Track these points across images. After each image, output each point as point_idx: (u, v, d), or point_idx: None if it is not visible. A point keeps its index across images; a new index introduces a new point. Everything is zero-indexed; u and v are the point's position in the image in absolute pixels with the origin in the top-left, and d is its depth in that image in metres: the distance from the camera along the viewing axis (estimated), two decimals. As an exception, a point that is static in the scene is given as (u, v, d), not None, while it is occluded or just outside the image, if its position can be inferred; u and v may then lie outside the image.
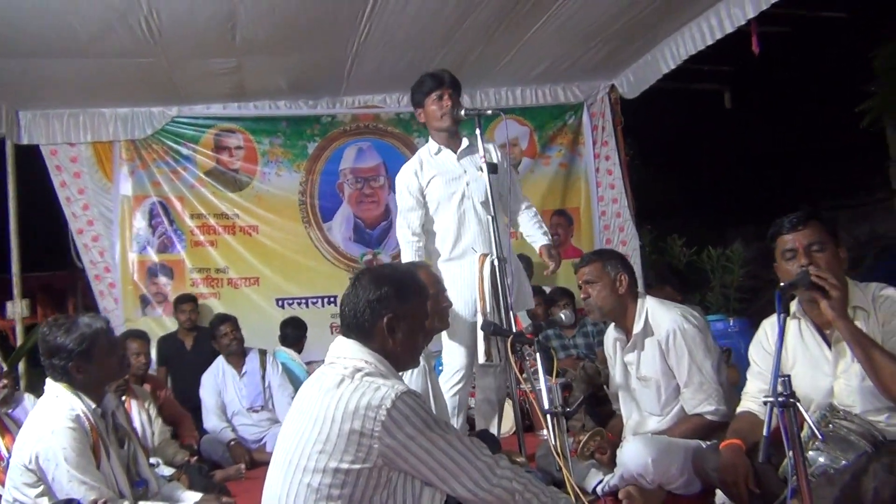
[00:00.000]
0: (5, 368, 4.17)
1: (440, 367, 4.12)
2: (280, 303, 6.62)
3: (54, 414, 2.76)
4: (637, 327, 3.26)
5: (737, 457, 2.63)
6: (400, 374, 2.14)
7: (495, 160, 3.88)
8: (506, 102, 6.87)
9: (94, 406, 2.86)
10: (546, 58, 6.26)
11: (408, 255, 4.00)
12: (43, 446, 2.70)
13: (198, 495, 3.21)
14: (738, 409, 2.87)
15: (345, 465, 1.88)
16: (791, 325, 2.65)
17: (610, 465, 3.20)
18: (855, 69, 8.44)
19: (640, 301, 3.31)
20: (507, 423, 4.76)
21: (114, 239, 6.42)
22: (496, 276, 3.64)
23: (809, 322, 2.62)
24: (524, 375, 3.22)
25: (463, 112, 3.90)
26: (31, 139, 6.19)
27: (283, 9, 4.80)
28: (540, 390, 2.81)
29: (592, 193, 7.15)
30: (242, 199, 6.68)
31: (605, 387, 3.98)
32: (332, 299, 6.59)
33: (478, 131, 3.76)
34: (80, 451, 2.69)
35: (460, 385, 3.96)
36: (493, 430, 4.10)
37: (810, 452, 2.34)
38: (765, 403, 2.05)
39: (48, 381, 2.88)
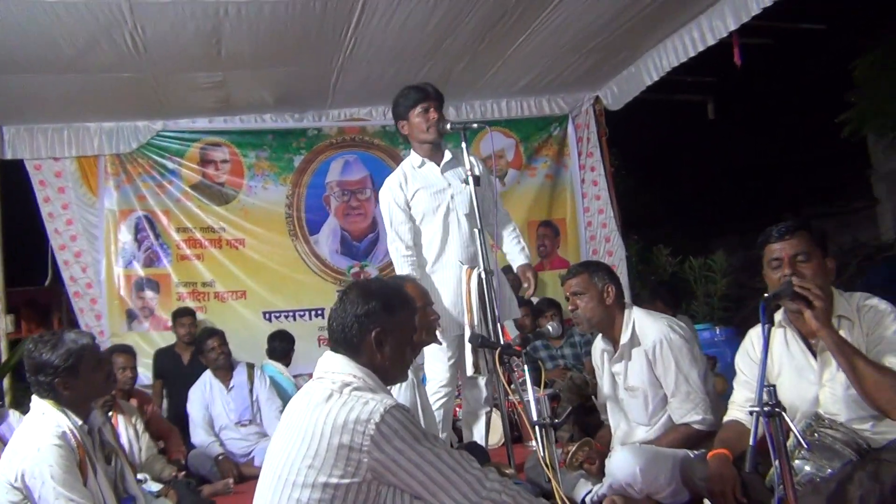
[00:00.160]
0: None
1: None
2: (267, 316, 6.59)
3: (40, 431, 2.74)
4: (624, 338, 3.27)
5: (724, 466, 2.64)
6: (388, 388, 2.15)
7: (478, 173, 3.86)
8: (491, 114, 6.91)
9: (80, 422, 2.84)
10: (531, 70, 6.30)
11: (404, 271, 3.91)
12: (29, 464, 2.68)
13: (186, 511, 3.20)
14: (725, 419, 2.88)
15: (334, 480, 1.88)
16: (776, 334, 2.67)
17: (598, 475, 3.20)
18: (836, 80, 8.55)
19: (626, 312, 3.32)
20: (496, 435, 4.76)
21: (99, 254, 6.38)
22: (483, 289, 3.62)
23: (795, 331, 2.63)
24: (512, 387, 3.23)
25: (448, 126, 3.88)
26: (15, 154, 6.17)
27: (269, 23, 4.81)
28: (528, 401, 2.81)
29: (578, 204, 7.19)
30: (229, 213, 6.66)
31: (592, 397, 4.00)
32: (319, 312, 6.57)
33: (463, 144, 3.73)
34: (66, 468, 2.67)
35: (445, 399, 3.94)
36: (479, 437, 4.10)
37: (796, 461, 2.35)
38: (751, 413, 2.06)
39: (34, 397, 2.87)
